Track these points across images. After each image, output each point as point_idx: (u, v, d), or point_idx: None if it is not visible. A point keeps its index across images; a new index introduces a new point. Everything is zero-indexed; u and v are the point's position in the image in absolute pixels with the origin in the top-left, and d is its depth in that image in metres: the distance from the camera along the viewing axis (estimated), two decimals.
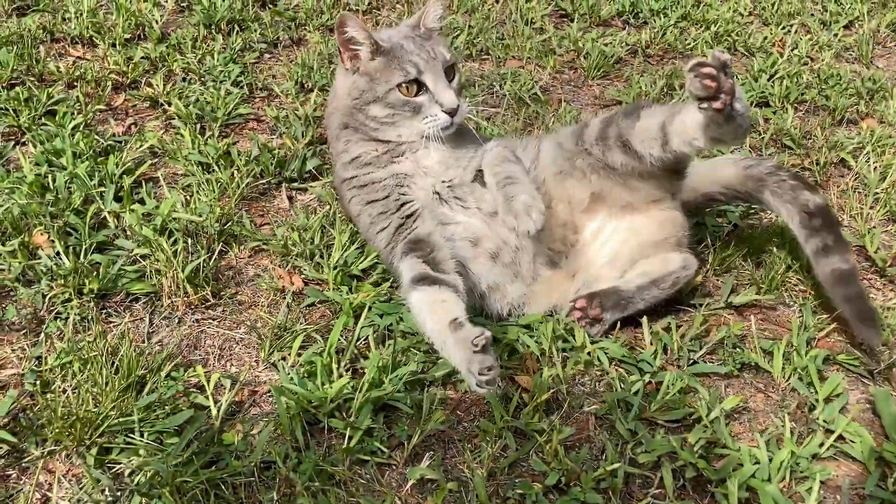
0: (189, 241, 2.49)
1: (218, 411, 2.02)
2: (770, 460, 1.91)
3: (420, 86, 2.25)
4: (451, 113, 2.24)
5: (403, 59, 2.24)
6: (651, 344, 2.29)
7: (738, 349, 2.29)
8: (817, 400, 2.11)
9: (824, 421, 2.06)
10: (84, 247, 2.46)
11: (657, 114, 2.14)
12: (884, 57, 4.35)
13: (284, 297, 2.40)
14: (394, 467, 1.93)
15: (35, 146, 2.95)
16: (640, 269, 2.36)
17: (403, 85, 2.24)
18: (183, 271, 2.36)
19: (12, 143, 3.04)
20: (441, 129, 2.27)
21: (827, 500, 1.91)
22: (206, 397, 2.06)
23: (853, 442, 2.01)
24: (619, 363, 2.23)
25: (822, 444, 1.99)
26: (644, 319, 2.33)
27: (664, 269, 2.34)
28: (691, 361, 2.23)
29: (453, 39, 4.00)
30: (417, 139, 2.31)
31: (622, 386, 2.13)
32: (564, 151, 2.38)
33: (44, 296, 2.31)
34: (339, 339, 2.20)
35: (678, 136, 2.08)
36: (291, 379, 2.07)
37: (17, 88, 3.29)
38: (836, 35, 4.46)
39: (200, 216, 2.58)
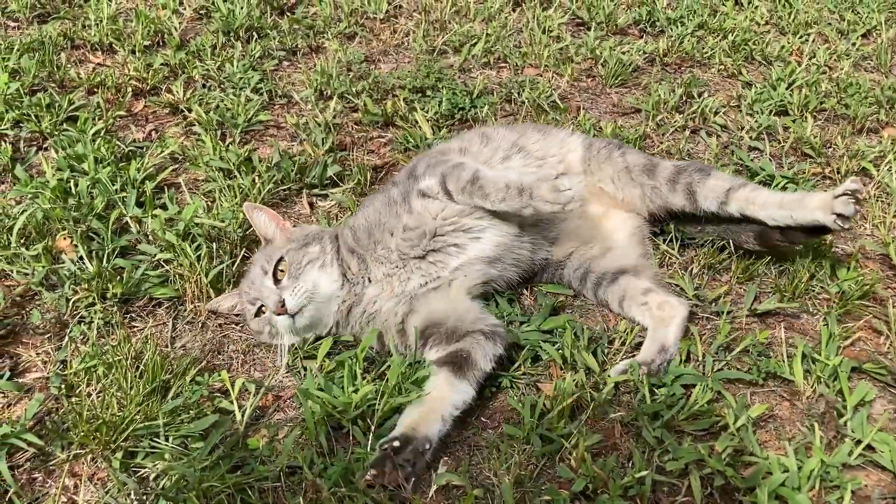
0: (212, 245, 2.50)
1: (242, 416, 2.02)
2: (799, 469, 1.89)
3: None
4: (279, 311, 2.18)
5: (243, 300, 2.31)
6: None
7: (762, 358, 2.27)
8: (845, 407, 2.09)
9: (852, 430, 2.04)
10: (107, 251, 2.48)
11: (726, 180, 2.51)
12: None
13: None
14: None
15: (57, 151, 2.97)
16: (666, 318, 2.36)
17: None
18: (206, 276, 2.37)
19: (35, 148, 3.07)
20: (286, 328, 2.22)
21: None
22: (231, 402, 2.06)
23: (881, 451, 1.99)
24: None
25: (850, 453, 1.97)
26: None
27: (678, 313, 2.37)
28: (717, 368, 2.21)
29: (470, 48, 4.01)
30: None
31: (651, 397, 2.11)
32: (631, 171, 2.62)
33: (68, 300, 2.32)
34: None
35: (739, 202, 2.45)
36: (318, 384, 2.06)
37: (39, 94, 3.32)
38: (854, 44, 4.44)
39: (223, 221, 2.59)
